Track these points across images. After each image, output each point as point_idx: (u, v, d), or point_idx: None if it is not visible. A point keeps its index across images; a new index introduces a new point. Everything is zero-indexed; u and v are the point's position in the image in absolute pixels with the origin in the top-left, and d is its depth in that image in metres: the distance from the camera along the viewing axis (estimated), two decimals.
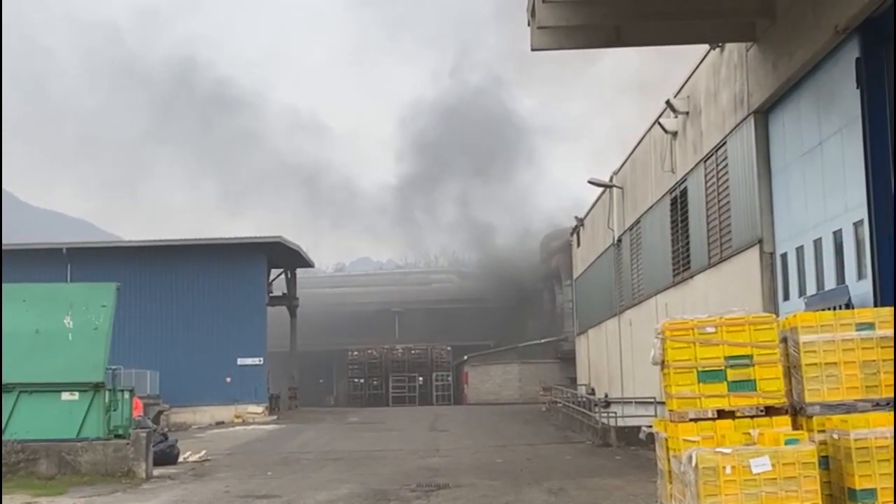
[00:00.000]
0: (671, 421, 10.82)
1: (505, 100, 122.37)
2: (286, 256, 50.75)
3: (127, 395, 22.91)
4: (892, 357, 10.49)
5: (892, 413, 10.01)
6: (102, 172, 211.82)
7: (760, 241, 19.68)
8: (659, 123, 26.73)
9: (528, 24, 18.02)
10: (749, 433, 10.26)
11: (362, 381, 72.27)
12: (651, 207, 29.46)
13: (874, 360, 10.57)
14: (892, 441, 9.71)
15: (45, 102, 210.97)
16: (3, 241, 50.72)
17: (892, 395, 10.37)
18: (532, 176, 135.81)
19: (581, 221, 44.85)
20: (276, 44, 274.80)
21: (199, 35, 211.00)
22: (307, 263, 54.30)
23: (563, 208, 66.38)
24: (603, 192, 37.76)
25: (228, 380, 45.18)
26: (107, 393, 21.30)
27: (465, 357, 66.82)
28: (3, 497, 17.11)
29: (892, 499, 9.55)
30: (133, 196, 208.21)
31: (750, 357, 10.60)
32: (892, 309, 10.82)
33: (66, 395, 20.90)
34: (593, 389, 40.52)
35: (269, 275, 50.74)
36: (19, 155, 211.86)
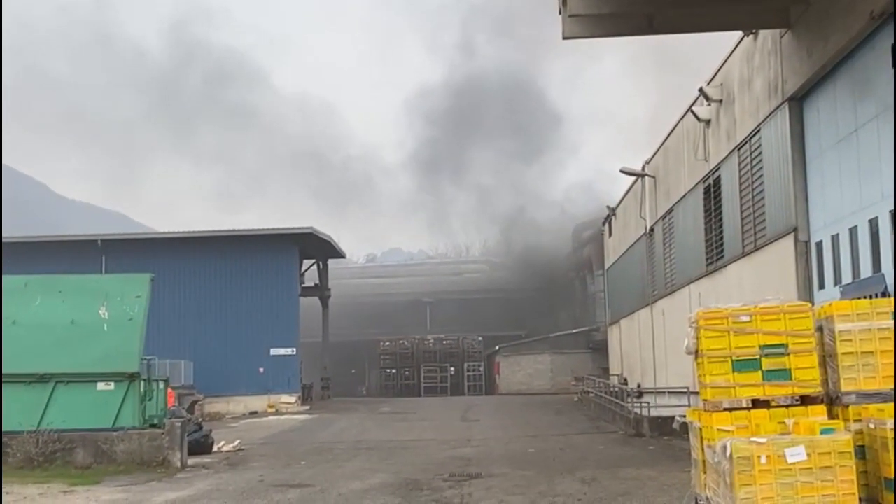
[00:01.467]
0: (705, 410, 10.75)
1: (530, 83, 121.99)
2: (318, 247, 50.95)
3: (162, 386, 23.15)
4: None
5: None
6: (116, 163, 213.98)
7: (795, 230, 19.49)
8: (692, 111, 26.51)
9: (560, 13, 17.90)
10: (784, 423, 10.18)
11: (394, 371, 72.46)
12: (684, 196, 29.25)
13: None
14: None
15: (56, 97, 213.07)
16: (39, 234, 51.58)
17: None
18: (562, 163, 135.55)
19: (613, 211, 44.65)
20: (290, 28, 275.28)
21: (196, 20, 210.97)
22: (339, 254, 54.49)
23: (594, 195, 66.26)
24: (635, 182, 37.55)
25: (261, 370, 45.49)
26: (142, 383, 21.49)
27: (497, 347, 66.74)
28: (42, 486, 17.34)
29: None
30: (146, 183, 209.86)
31: (785, 346, 10.51)
32: None
33: (101, 386, 21.08)
34: (626, 379, 40.39)
35: (301, 265, 50.98)
36: (48, 146, 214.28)
